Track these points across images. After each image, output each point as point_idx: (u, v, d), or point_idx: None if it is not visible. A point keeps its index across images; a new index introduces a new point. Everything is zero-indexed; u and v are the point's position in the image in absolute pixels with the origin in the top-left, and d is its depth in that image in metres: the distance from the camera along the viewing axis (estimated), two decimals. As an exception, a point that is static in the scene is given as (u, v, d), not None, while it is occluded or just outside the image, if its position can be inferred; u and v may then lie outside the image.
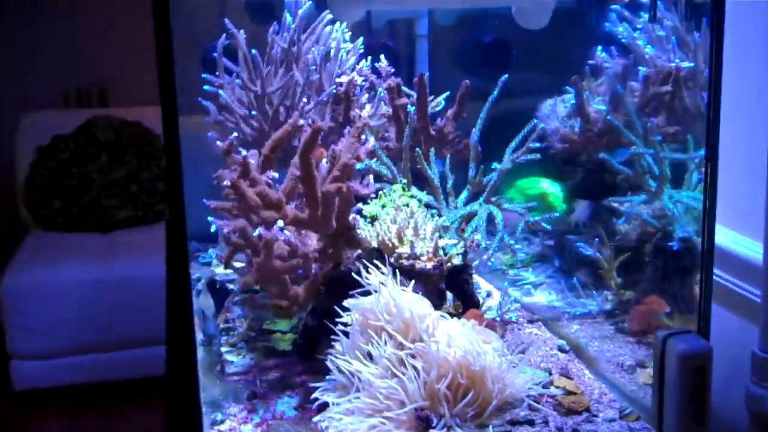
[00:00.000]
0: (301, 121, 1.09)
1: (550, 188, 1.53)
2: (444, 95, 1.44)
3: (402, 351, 1.06)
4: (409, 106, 1.29)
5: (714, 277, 1.04)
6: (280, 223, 1.07)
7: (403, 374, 1.04)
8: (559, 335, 1.31)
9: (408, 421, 1.05)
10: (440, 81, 1.53)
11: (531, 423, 1.08)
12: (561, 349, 1.27)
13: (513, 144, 1.23)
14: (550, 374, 1.20)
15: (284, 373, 1.23)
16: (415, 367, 1.04)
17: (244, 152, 1.07)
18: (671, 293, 1.26)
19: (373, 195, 1.18)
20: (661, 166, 1.20)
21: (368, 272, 1.09)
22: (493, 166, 1.22)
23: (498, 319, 1.34)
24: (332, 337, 1.12)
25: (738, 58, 0.96)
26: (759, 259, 1.09)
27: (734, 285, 1.18)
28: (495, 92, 1.25)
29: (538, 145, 1.21)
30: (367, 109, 1.06)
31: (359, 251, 1.19)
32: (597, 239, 1.32)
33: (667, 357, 0.97)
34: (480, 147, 1.28)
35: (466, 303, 1.27)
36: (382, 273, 1.13)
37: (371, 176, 1.10)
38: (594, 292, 1.33)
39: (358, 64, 1.46)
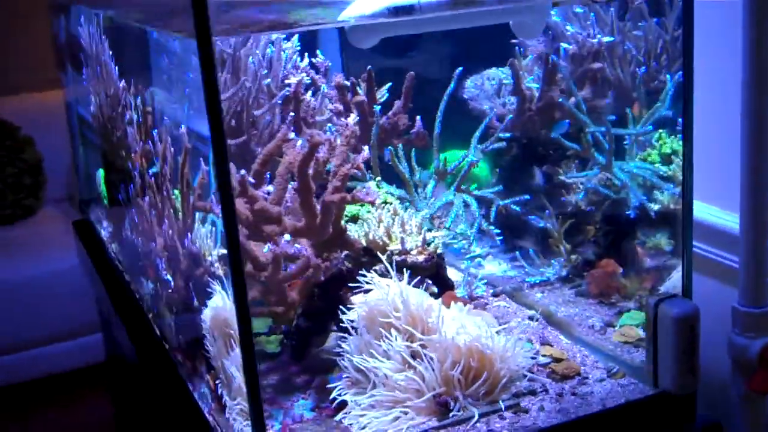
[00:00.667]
0: (291, 135, 1.12)
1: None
2: (386, 86, 1.49)
3: (414, 343, 1.12)
4: (375, 106, 1.34)
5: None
6: (287, 236, 1.10)
7: (418, 365, 1.11)
8: (525, 305, 1.41)
9: (427, 408, 1.12)
10: (354, 68, 1.58)
11: (534, 393, 1.17)
12: (532, 318, 1.37)
13: (477, 133, 1.30)
14: (532, 344, 1.29)
15: (282, 375, 1.27)
16: (430, 357, 1.11)
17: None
18: (622, 256, 1.38)
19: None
20: (610, 142, 1.31)
21: (364, 271, 1.15)
22: (471, 158, 1.29)
23: (467, 296, 1.42)
24: (341, 335, 1.17)
25: (706, 28, 1.06)
26: (728, 226, 1.22)
27: (702, 250, 1.31)
28: (452, 84, 1.32)
29: (508, 135, 1.29)
30: (353, 118, 1.10)
31: (346, 252, 1.23)
32: (547, 211, 1.42)
33: (660, 320, 1.08)
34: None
35: (442, 286, 1.35)
36: (376, 271, 1.19)
37: (371, 183, 1.15)
38: (553, 260, 1.43)
39: (297, 61, 1.49)
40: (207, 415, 1.17)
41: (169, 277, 1.30)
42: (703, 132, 1.12)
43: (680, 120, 1.08)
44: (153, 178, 1.23)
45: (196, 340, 1.19)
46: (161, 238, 1.28)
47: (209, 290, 1.10)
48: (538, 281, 1.42)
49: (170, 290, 1.30)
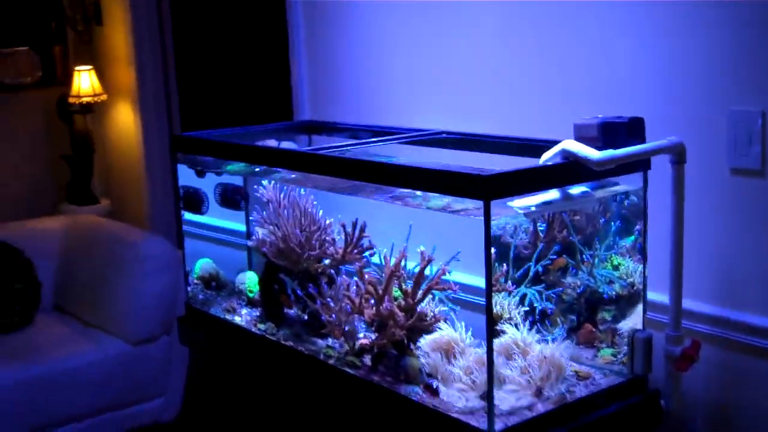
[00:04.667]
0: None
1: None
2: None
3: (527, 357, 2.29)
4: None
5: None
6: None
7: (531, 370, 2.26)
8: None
9: (532, 392, 2.26)
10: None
11: (573, 385, 2.35)
12: (554, 354, 2.55)
13: (535, 255, 2.50)
14: (562, 364, 2.47)
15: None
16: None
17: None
18: (595, 321, 2.59)
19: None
20: (593, 261, 2.55)
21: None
22: (532, 269, 2.49)
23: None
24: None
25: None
26: (660, 300, 2.48)
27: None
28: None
29: (554, 256, 2.51)
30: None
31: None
32: (555, 296, 2.61)
33: (636, 339, 2.32)
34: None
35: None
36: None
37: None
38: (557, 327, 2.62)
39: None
40: (421, 401, 2.26)
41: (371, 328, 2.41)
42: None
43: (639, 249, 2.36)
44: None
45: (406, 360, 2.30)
46: (371, 310, 2.39)
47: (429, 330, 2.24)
48: (552, 338, 2.60)
49: (374, 337, 2.40)
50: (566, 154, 2.19)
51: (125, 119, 5.13)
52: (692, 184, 2.37)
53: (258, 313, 2.95)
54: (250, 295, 3.00)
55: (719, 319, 2.45)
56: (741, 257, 2.40)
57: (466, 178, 2.07)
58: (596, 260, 2.57)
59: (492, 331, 2.16)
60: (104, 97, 5.04)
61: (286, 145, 3.26)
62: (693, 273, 2.43)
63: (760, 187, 2.35)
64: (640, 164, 2.34)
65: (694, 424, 2.56)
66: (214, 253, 3.27)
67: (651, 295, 2.48)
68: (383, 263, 2.47)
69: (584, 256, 2.57)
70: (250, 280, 3.03)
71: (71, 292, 4.61)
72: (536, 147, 2.53)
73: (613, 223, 2.54)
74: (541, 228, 2.62)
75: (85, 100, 4.97)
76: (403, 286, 2.41)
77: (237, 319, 2.97)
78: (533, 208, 2.19)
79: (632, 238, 2.51)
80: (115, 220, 4.98)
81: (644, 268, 2.42)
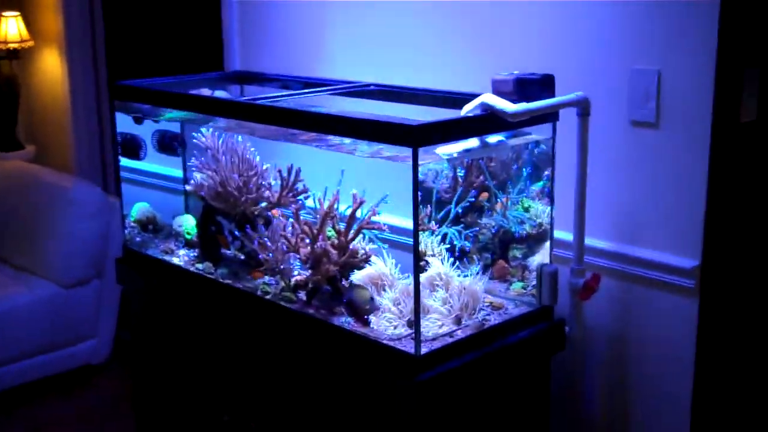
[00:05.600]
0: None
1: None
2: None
3: (449, 290, 2.54)
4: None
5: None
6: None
7: (451, 299, 2.52)
8: (465, 282, 2.84)
9: (452, 320, 2.53)
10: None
11: (489, 314, 2.62)
12: (471, 288, 2.82)
13: (455, 199, 2.75)
14: (477, 297, 2.74)
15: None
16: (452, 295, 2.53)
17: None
18: (508, 258, 2.87)
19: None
20: (506, 202, 2.81)
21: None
22: (453, 211, 2.73)
23: (436, 279, 2.84)
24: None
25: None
26: (565, 239, 2.76)
27: (556, 251, 2.82)
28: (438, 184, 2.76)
29: (472, 199, 2.75)
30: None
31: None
32: (472, 235, 2.87)
33: (543, 273, 2.60)
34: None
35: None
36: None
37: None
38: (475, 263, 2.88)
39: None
40: (353, 329, 2.50)
41: (306, 266, 2.62)
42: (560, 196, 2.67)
43: (547, 190, 2.63)
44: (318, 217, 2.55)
45: (342, 294, 2.52)
46: (306, 248, 2.60)
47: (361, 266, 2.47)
48: (467, 274, 2.86)
49: (309, 274, 2.61)
50: (485, 107, 2.43)
51: (52, 66, 5.16)
52: (597, 134, 2.65)
53: (196, 254, 3.13)
54: (188, 237, 3.17)
55: (618, 255, 2.75)
56: (638, 199, 2.70)
57: (397, 127, 2.29)
58: (509, 203, 2.84)
59: (418, 264, 2.40)
60: (31, 43, 5.06)
61: (219, 94, 3.41)
62: (596, 213, 2.73)
63: (654, 138, 2.63)
64: (550, 116, 2.60)
65: (593, 347, 2.88)
66: (150, 198, 3.42)
67: (558, 234, 2.76)
68: (317, 206, 2.68)
69: (498, 199, 2.83)
70: (187, 223, 3.20)
71: (0, 238, 4.69)
72: (457, 99, 2.76)
73: (525, 169, 2.80)
74: (461, 174, 2.87)
75: (11, 46, 4.98)
76: (336, 227, 2.63)
77: (175, 260, 3.14)
78: (455, 155, 2.43)
79: (542, 182, 2.78)
80: (41, 165, 5.05)
81: (551, 209, 2.70)
